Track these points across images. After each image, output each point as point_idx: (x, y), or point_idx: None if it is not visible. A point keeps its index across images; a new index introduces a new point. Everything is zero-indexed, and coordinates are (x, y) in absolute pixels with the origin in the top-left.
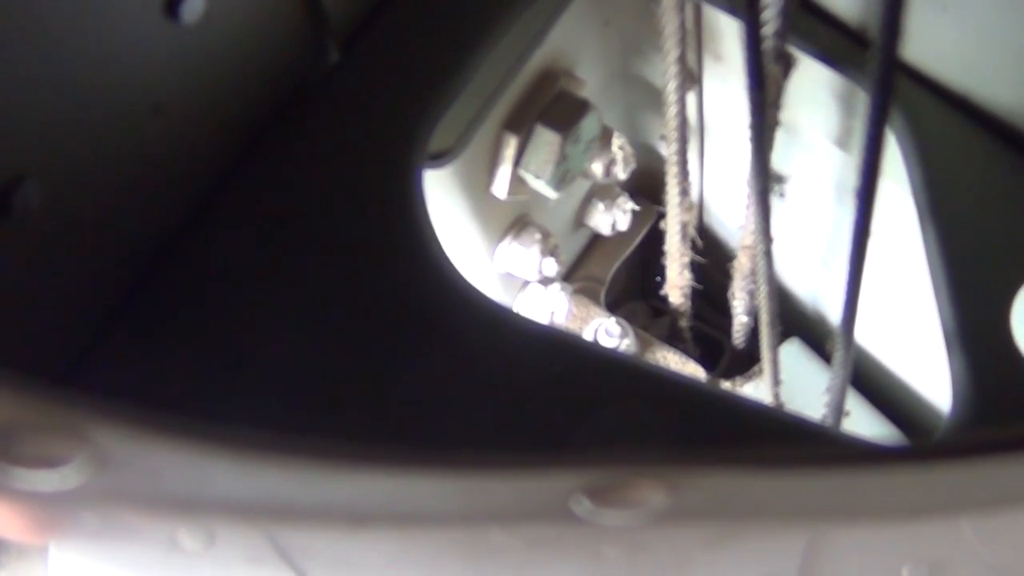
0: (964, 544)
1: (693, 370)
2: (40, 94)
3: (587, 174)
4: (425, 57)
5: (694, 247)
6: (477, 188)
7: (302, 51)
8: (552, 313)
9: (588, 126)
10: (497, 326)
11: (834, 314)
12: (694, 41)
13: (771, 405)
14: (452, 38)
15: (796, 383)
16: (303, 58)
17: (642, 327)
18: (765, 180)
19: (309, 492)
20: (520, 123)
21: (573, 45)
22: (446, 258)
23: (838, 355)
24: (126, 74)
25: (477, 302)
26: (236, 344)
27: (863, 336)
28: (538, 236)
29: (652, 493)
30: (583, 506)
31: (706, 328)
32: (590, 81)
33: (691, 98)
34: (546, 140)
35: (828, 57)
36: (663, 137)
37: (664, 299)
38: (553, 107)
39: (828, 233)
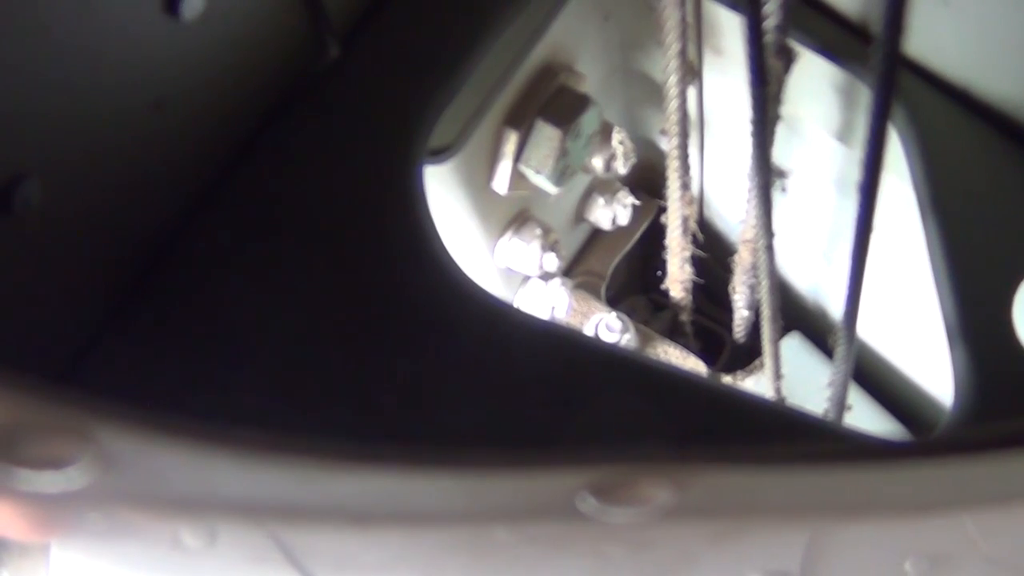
0: (966, 538)
1: (694, 365)
2: (40, 92)
3: (587, 169)
4: (425, 52)
5: (695, 241)
6: (478, 183)
7: (302, 47)
8: (553, 308)
9: (588, 121)
10: (498, 322)
11: (836, 308)
12: (694, 35)
13: (772, 400)
14: (452, 33)
15: (797, 377)
16: (303, 54)
17: (643, 322)
18: (767, 174)
19: (313, 491)
20: (520, 118)
21: (573, 40)
22: (447, 254)
23: (840, 349)
24: (126, 71)
25: (478, 298)
26: (236, 341)
27: (865, 330)
28: (539, 231)
29: (658, 490)
30: (589, 504)
31: (707, 322)
32: (590, 76)
33: (691, 92)
34: (546, 135)
35: (830, 51)
36: (663, 132)
37: (665, 293)
38: (553, 102)
39: (829, 227)
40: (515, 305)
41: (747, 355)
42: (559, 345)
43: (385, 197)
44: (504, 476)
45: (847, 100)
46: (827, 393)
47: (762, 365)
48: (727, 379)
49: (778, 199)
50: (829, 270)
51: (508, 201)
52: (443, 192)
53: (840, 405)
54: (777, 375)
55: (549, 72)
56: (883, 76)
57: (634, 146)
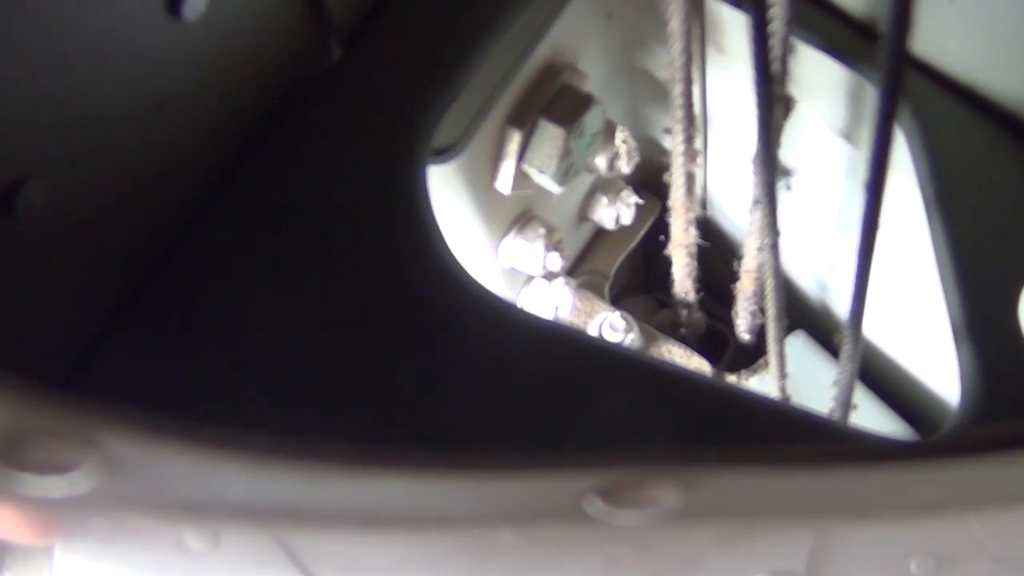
0: (972, 538)
1: (698, 364)
2: (42, 94)
3: (591, 168)
4: (428, 53)
5: (698, 240)
6: (481, 183)
7: (304, 48)
8: (556, 308)
9: (592, 120)
10: (501, 321)
11: (841, 307)
12: (698, 33)
13: (777, 399)
14: (455, 33)
15: (802, 377)
16: (305, 55)
17: (646, 321)
18: (772, 173)
19: (319, 495)
20: (524, 118)
21: (576, 39)
22: (450, 254)
23: (846, 348)
24: (128, 72)
25: (482, 298)
26: (240, 342)
27: (870, 329)
28: (542, 231)
29: (665, 493)
30: (596, 506)
31: (711, 321)
32: (593, 75)
33: (695, 91)
34: (550, 135)
35: (835, 50)
36: (667, 130)
37: (668, 292)
38: (556, 101)
39: (835, 226)
40: (519, 305)
41: (752, 354)
42: (563, 345)
43: (388, 197)
44: (511, 479)
45: (853, 99)
46: (832, 392)
47: (767, 364)
48: (731, 378)
49: (783, 197)
50: (834, 269)
51: (511, 201)
52: (446, 192)
53: (846, 405)
54: (782, 374)
55: (552, 71)
56: (889, 75)
57: (637, 145)
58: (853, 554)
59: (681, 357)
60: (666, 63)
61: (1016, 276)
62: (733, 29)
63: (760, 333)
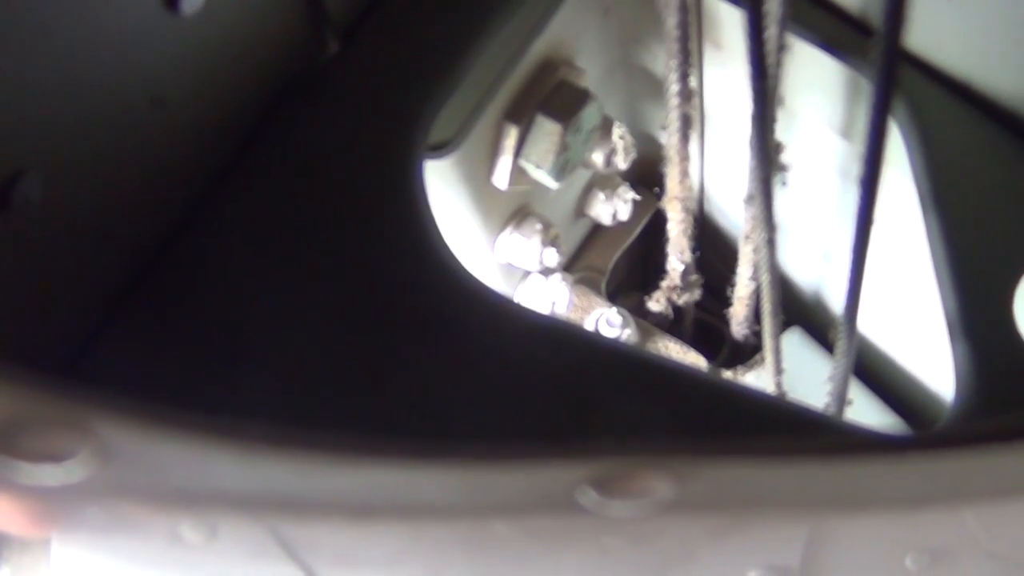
0: (967, 533)
1: (695, 360)
2: (39, 87)
3: (588, 164)
4: (425, 47)
5: (694, 236)
6: (478, 179)
7: (301, 42)
8: (553, 303)
9: (589, 116)
10: (498, 317)
11: (836, 303)
12: (694, 29)
13: (773, 394)
14: (452, 28)
15: (798, 372)
16: (302, 49)
17: (643, 317)
18: (767, 168)
19: (313, 485)
20: (520, 113)
21: (573, 35)
22: (447, 249)
23: (841, 344)
24: (125, 66)
25: (478, 293)
26: (237, 335)
27: (865, 325)
28: (539, 226)
29: (658, 484)
30: (589, 497)
31: (708, 317)
32: (590, 71)
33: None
34: (547, 130)
35: (830, 45)
36: (664, 126)
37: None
38: (553, 97)
39: (830, 221)
40: (515, 300)
41: (748, 350)
42: (560, 340)
43: (385, 192)
44: (504, 470)
45: (848, 94)
46: (828, 388)
47: (763, 360)
48: (728, 374)
49: (779, 193)
50: (830, 265)
51: (508, 196)
52: (443, 187)
53: (841, 400)
54: (778, 370)
55: (549, 67)
56: (884, 70)
57: (634, 141)
58: (848, 549)
59: (677, 353)
60: (663, 59)
61: (1011, 272)
62: (729, 25)
63: (756, 330)
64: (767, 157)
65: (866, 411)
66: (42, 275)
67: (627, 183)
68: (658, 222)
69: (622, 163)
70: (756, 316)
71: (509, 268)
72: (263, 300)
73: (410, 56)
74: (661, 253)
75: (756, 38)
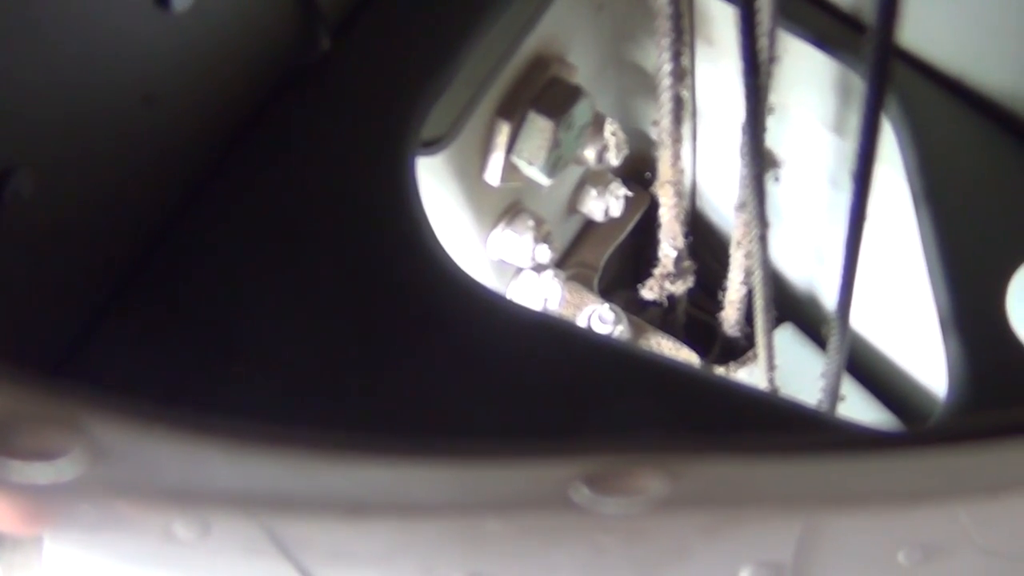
0: (960, 528)
1: (687, 356)
2: (29, 84)
3: (580, 160)
4: (417, 44)
5: (686, 232)
6: (470, 175)
7: (293, 38)
8: (545, 300)
9: (581, 112)
10: (491, 313)
11: (829, 299)
12: (687, 26)
13: (766, 391)
14: (444, 25)
15: (791, 368)
16: (294, 45)
17: (635, 313)
18: (760, 164)
19: (306, 482)
20: (512, 110)
21: (565, 31)
22: (439, 245)
23: (833, 340)
24: (116, 63)
25: (471, 289)
26: (230, 332)
27: (858, 321)
28: (531, 223)
29: (652, 481)
30: (582, 494)
31: (700, 314)
32: (582, 67)
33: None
34: (539, 127)
35: (822, 42)
36: (656, 123)
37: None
38: (545, 93)
39: (823, 217)
40: (508, 297)
41: (740, 347)
42: (552, 337)
43: (377, 189)
44: (496, 466)
45: (840, 90)
46: (820, 384)
47: (755, 356)
48: (720, 370)
49: (771, 189)
50: (822, 261)
51: (500, 192)
52: (435, 184)
53: (833, 396)
54: (770, 366)
55: (541, 63)
56: (876, 66)
57: (627, 137)
58: (841, 545)
59: (670, 349)
60: (655, 56)
61: (1003, 267)
62: (721, 21)
63: (749, 325)
64: (759, 153)
65: (859, 407)
66: (33, 272)
67: (619, 179)
68: (650, 218)
69: (614, 159)
70: (748, 313)
71: (501, 264)
72: (255, 297)
73: (402, 53)
74: (653, 249)
75: (748, 34)
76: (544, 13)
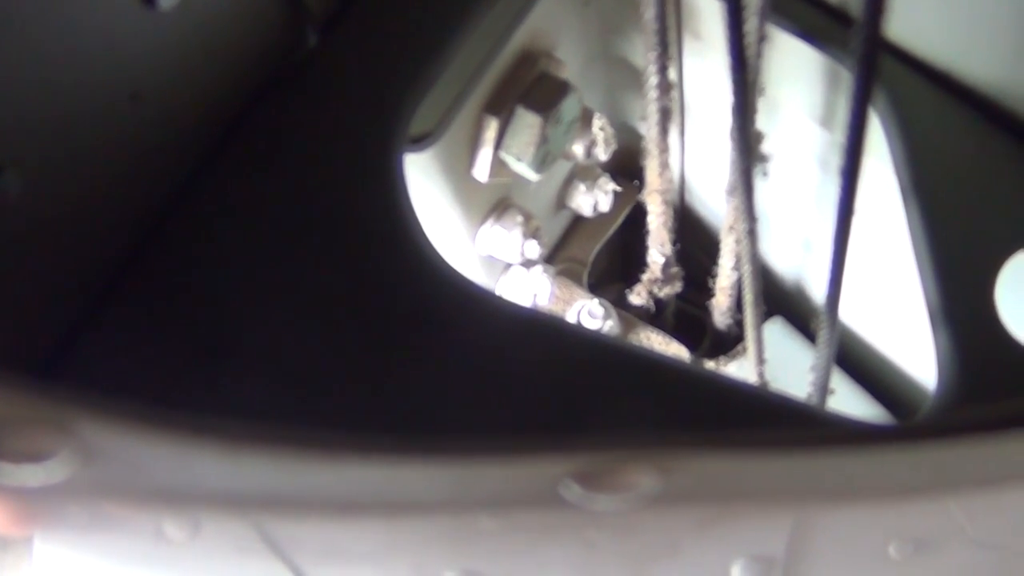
0: (950, 521)
1: (677, 350)
2: (16, 83)
3: (568, 155)
4: (404, 40)
5: (675, 227)
6: (458, 171)
7: (280, 35)
8: (535, 295)
9: (569, 107)
10: (480, 309)
11: (818, 292)
12: (674, 20)
13: (756, 385)
14: (431, 21)
15: (780, 362)
16: (281, 42)
17: (624, 308)
18: (748, 159)
19: (297, 482)
20: (501, 105)
21: (553, 26)
22: (428, 242)
23: (823, 333)
24: (103, 62)
25: (460, 285)
26: (219, 329)
27: (847, 314)
28: (520, 218)
29: (642, 477)
30: (573, 491)
31: (689, 308)
32: (570, 62)
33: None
34: (527, 122)
35: (810, 35)
36: (644, 117)
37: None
38: (533, 89)
39: (811, 211)
40: (497, 292)
41: (730, 341)
42: (541, 332)
43: (365, 185)
44: (487, 464)
45: (828, 84)
46: (810, 377)
47: (745, 350)
48: (710, 365)
49: (760, 183)
50: (811, 254)
51: (489, 188)
52: (423, 180)
53: (823, 389)
54: (760, 360)
55: (529, 59)
56: (864, 60)
57: (615, 132)
58: (832, 539)
59: (659, 344)
60: (643, 50)
61: (992, 259)
62: (709, 16)
63: (738, 319)
64: (747, 148)
65: (849, 400)
66: (21, 272)
67: (607, 174)
68: (639, 213)
69: (602, 154)
70: (738, 306)
71: (490, 260)
72: (244, 295)
73: (389, 49)
74: (642, 244)
75: (736, 28)
76: (532, 8)
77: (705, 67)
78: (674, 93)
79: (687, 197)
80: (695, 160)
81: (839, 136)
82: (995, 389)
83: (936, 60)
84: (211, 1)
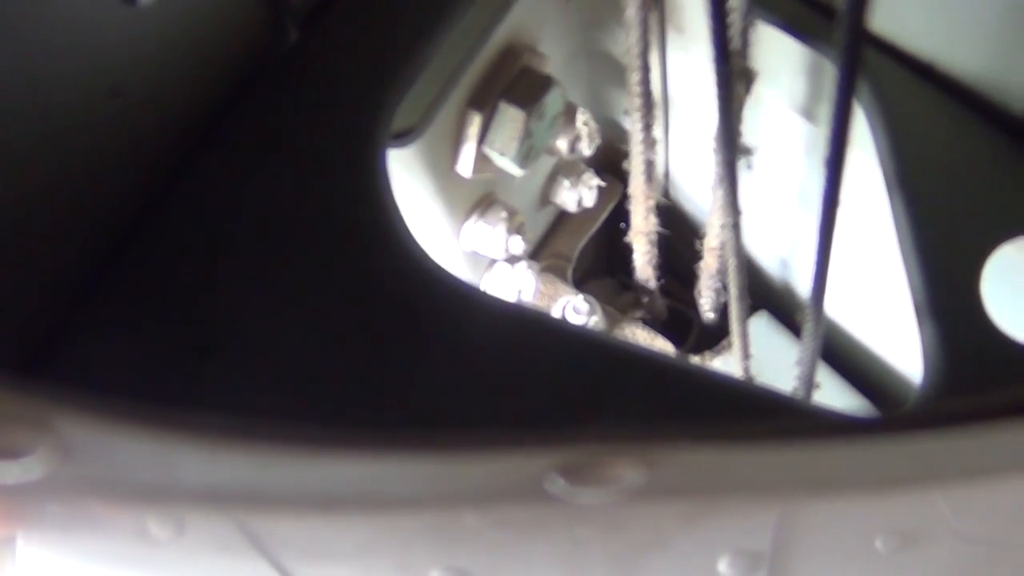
0: (936, 515)
1: (662, 346)
2: None
3: (552, 151)
4: (386, 35)
5: (659, 222)
6: (441, 167)
7: (260, 30)
8: (519, 291)
9: (552, 102)
10: (464, 305)
11: (803, 286)
12: (656, 14)
13: (742, 379)
14: (413, 15)
15: (766, 357)
16: (261, 37)
17: (609, 303)
18: (732, 152)
19: (279, 478)
20: (484, 100)
21: (536, 21)
22: (412, 238)
23: (808, 327)
24: (83, 57)
25: (444, 281)
26: (202, 327)
27: (832, 308)
28: (504, 214)
29: (627, 470)
30: (558, 485)
31: (675, 303)
32: (553, 57)
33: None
34: (510, 117)
35: (794, 28)
36: (627, 112)
37: (631, 275)
38: (516, 84)
39: (796, 204)
40: (482, 289)
41: (715, 335)
42: (527, 328)
43: (348, 181)
44: (471, 458)
45: (812, 76)
46: (796, 371)
47: (730, 345)
48: (696, 359)
49: (744, 177)
50: (796, 248)
51: (473, 184)
52: (407, 176)
53: (809, 383)
54: (745, 355)
55: (512, 53)
56: (848, 52)
57: (598, 127)
58: (818, 533)
59: (645, 339)
60: (625, 45)
61: (977, 252)
62: (692, 9)
63: (723, 314)
64: (731, 141)
65: (834, 394)
66: (0, 268)
67: (592, 170)
68: (623, 209)
69: (586, 149)
70: (724, 301)
71: (475, 256)
72: (228, 292)
73: (372, 44)
74: (627, 244)
75: (719, 20)
76: (514, 3)
77: (688, 60)
78: (656, 113)
79: (671, 191)
80: (679, 153)
81: (823, 128)
82: (981, 381)
83: (920, 52)
84: None
